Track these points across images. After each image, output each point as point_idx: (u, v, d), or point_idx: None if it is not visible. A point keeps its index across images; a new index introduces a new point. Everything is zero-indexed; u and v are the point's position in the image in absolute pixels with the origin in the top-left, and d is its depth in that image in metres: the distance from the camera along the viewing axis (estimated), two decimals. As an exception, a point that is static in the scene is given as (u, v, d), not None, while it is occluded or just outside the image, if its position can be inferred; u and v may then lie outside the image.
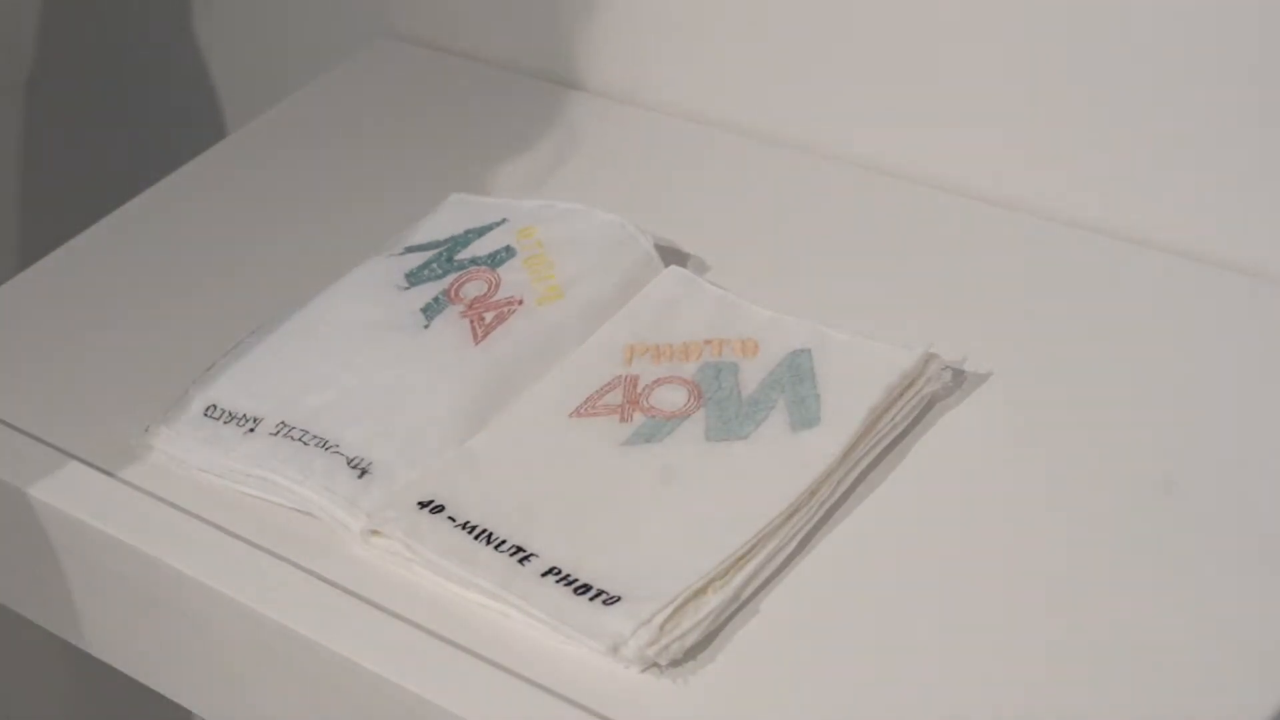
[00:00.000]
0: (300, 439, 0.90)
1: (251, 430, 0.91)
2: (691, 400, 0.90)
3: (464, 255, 1.00)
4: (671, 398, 0.91)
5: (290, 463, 0.89)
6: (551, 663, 0.80)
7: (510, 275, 0.98)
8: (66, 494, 0.91)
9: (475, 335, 0.95)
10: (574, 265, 0.98)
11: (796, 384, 0.90)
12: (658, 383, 0.92)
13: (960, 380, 0.91)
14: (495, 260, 0.99)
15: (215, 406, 0.93)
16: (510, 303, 0.96)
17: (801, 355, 0.91)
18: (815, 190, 1.07)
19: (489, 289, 0.97)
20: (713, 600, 0.80)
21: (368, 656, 0.82)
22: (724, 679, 0.79)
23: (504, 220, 1.02)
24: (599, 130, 1.14)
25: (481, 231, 1.01)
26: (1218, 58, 0.94)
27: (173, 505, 0.90)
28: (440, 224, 1.03)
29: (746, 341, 0.93)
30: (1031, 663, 0.78)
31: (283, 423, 0.91)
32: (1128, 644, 0.79)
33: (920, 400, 0.89)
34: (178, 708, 0.95)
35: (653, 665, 0.79)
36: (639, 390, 0.92)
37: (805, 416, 0.88)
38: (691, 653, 0.79)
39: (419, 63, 1.23)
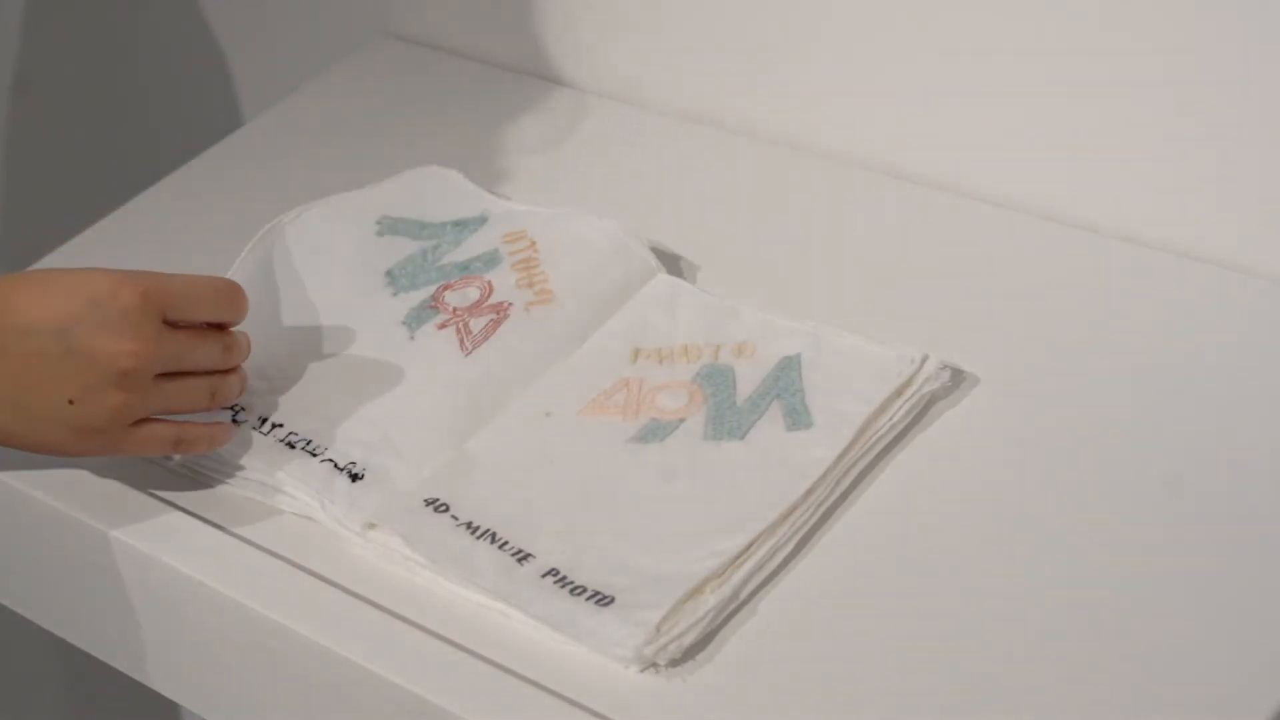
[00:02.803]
0: (288, 441, 0.90)
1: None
2: (692, 402, 0.91)
3: (449, 260, 1.00)
4: (673, 398, 0.91)
5: (285, 467, 0.89)
6: (551, 662, 0.80)
7: (499, 280, 0.98)
8: (66, 494, 0.91)
9: (462, 343, 0.95)
10: (567, 270, 0.98)
11: (789, 387, 0.90)
12: (660, 384, 0.92)
13: (959, 380, 0.91)
14: (483, 265, 0.99)
15: None
16: (498, 308, 0.96)
17: (794, 358, 0.92)
18: (815, 191, 1.06)
19: (479, 295, 0.97)
20: (710, 600, 0.80)
21: (368, 656, 0.82)
22: (723, 678, 0.79)
23: (486, 218, 1.02)
24: (598, 130, 1.14)
25: (464, 226, 1.01)
26: (1219, 59, 0.94)
27: (173, 505, 0.90)
28: (424, 201, 1.03)
29: (744, 344, 0.93)
30: (1031, 662, 0.78)
31: (274, 424, 0.91)
32: (1128, 643, 0.79)
33: (919, 400, 0.89)
34: (176, 706, 0.95)
35: (651, 665, 0.79)
36: (643, 391, 0.92)
37: (799, 418, 0.88)
38: (690, 652, 0.79)
39: (419, 62, 1.23)
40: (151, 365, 0.84)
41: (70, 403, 0.83)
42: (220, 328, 0.88)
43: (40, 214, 1.49)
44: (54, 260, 1.08)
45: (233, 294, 0.88)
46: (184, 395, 0.86)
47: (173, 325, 0.85)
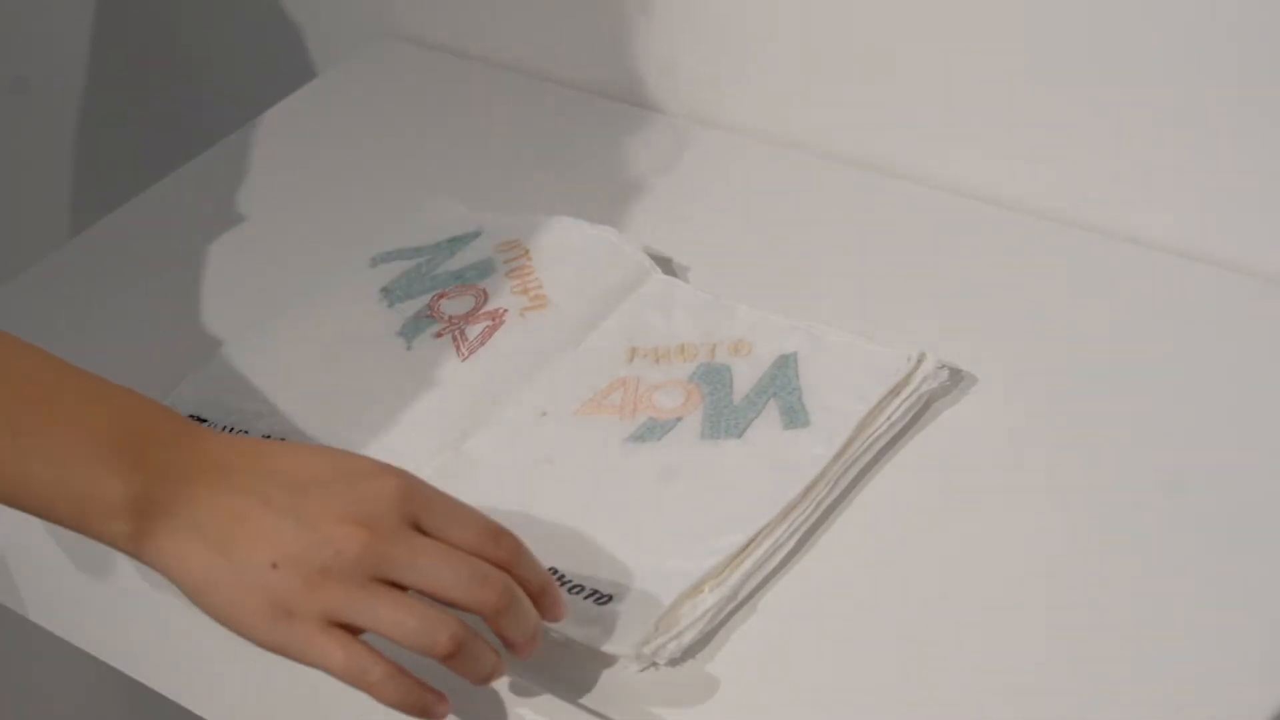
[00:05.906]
0: None
1: None
2: (689, 400, 0.91)
3: (443, 270, 1.00)
4: (670, 397, 0.91)
5: None
6: (550, 661, 0.80)
7: (493, 288, 0.98)
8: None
9: (459, 349, 0.95)
10: (561, 275, 0.98)
11: (786, 385, 0.90)
12: (657, 383, 0.92)
13: (958, 379, 0.91)
14: (477, 273, 0.99)
15: (198, 418, 0.93)
16: (493, 314, 0.96)
17: (791, 356, 0.92)
18: (812, 189, 1.06)
19: (474, 302, 0.97)
20: (709, 598, 0.80)
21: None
22: (723, 677, 0.79)
23: (480, 231, 1.02)
24: (595, 129, 1.14)
25: (458, 240, 1.01)
26: (1219, 58, 0.94)
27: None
28: (416, 230, 1.03)
29: (740, 343, 0.93)
30: (1030, 662, 0.78)
31: (268, 436, 0.91)
32: (1127, 644, 0.79)
33: (918, 399, 0.89)
34: (176, 707, 0.95)
35: (650, 664, 0.79)
36: (639, 390, 0.92)
37: (797, 416, 0.88)
38: (690, 651, 0.79)
39: (419, 63, 1.23)
40: (370, 558, 0.72)
41: (273, 566, 0.71)
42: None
43: (40, 214, 1.50)
44: (51, 261, 1.08)
45: (497, 534, 0.75)
46: (399, 611, 0.72)
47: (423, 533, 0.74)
